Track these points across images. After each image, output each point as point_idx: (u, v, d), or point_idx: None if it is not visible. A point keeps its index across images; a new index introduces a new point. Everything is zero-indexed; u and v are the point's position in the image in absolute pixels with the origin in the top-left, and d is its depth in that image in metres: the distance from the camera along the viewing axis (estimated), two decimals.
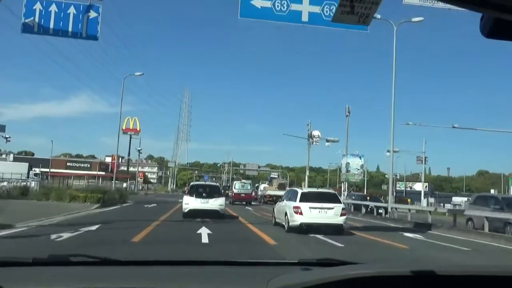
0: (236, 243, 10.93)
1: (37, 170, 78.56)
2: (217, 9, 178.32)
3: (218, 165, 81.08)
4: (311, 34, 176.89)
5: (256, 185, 56.92)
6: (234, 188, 38.28)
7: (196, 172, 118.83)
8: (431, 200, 75.30)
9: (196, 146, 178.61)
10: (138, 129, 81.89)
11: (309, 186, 36.53)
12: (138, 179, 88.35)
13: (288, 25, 14.58)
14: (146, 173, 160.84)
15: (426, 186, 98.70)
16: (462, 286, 1.46)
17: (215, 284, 1.69)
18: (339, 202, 14.68)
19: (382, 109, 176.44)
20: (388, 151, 55.64)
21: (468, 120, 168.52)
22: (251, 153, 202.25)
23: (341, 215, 14.03)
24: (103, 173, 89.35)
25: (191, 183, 24.05)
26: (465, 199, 71.49)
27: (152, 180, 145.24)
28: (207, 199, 18.19)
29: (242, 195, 36.45)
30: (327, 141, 40.76)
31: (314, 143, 40.39)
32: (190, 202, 18.23)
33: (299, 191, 15.00)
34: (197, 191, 18.75)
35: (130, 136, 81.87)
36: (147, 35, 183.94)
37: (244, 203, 35.02)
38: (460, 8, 0.88)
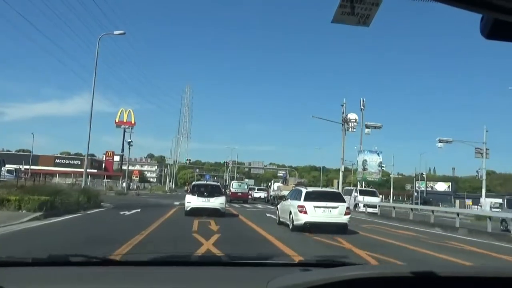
0: None
1: (21, 167, 69.74)
2: (219, 9, 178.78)
3: (222, 162, 72.24)
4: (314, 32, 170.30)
5: (268, 184, 47.80)
6: (232, 187, 38.97)
7: (197, 170, 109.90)
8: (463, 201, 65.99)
9: (197, 145, 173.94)
10: (133, 122, 72.63)
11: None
12: (134, 177, 79.16)
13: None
14: (145, 172, 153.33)
15: (449, 186, 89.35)
16: (462, 287, 1.42)
17: (215, 285, 1.66)
18: (343, 201, 14.42)
19: (387, 105, 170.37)
20: (441, 141, 45.86)
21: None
22: (252, 153, 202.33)
23: (345, 214, 13.84)
24: (95, 170, 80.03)
25: (193, 183, 23.80)
26: (495, 200, 62.54)
27: (151, 179, 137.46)
28: (208, 198, 18.42)
29: (239, 194, 37.43)
30: (367, 126, 30.95)
31: (350, 129, 30.86)
32: (192, 201, 18.43)
33: (304, 190, 14.67)
34: (198, 190, 18.89)
35: (124, 130, 72.81)
36: (150, 34, 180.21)
37: (241, 201, 35.91)
38: (460, 9, 0.84)
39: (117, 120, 71.30)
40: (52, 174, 71.22)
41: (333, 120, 31.45)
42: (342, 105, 30.54)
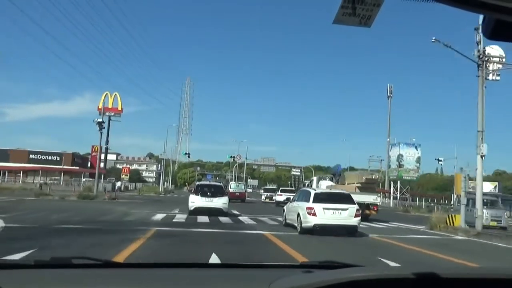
0: None
1: None
2: (221, 9, 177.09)
3: (229, 157, 58.64)
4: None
5: (306, 182, 33.10)
6: (230, 188, 38.95)
7: (198, 168, 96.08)
8: None
9: (199, 146, 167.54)
10: (119, 108, 58.19)
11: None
12: (123, 176, 64.95)
13: None
14: (144, 171, 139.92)
15: (495, 187, 74.65)
16: None
17: (217, 287, 1.62)
18: (353, 203, 13.48)
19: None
20: None
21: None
22: (253, 153, 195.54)
23: (355, 216, 13.04)
24: (77, 168, 65.67)
25: (197, 183, 24.05)
26: None
27: (149, 179, 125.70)
28: (212, 198, 18.26)
29: (236, 193, 37.48)
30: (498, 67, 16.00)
31: (492, 74, 16.20)
32: (196, 201, 18.22)
33: (312, 192, 13.99)
34: (202, 190, 18.79)
35: (109, 117, 58.42)
36: (150, 34, 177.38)
37: (239, 200, 36.31)
38: (462, 10, 0.83)
39: (100, 106, 57.08)
40: (21, 172, 57.23)
41: (465, 55, 16.53)
42: (476, 29, 15.65)
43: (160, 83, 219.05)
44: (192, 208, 17.89)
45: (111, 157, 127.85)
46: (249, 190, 59.43)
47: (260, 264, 2.13)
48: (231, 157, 59.22)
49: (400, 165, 58.54)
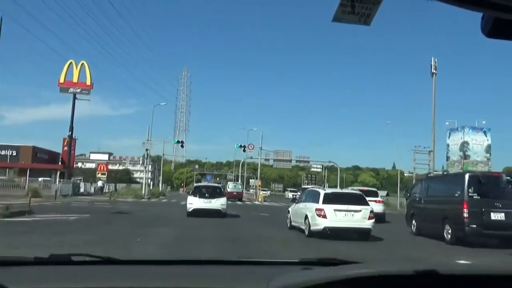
0: None
1: None
2: (221, 9, 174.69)
3: (237, 146, 43.93)
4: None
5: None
6: (228, 188, 40.10)
7: (197, 167, 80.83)
8: None
9: (198, 147, 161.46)
10: (88, 83, 42.05)
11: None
12: (99, 174, 49.71)
13: None
14: (137, 172, 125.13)
15: None
16: (465, 285, 1.35)
17: (216, 283, 1.59)
18: (367, 204, 12.33)
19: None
20: None
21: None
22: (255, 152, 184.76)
23: (369, 218, 11.90)
24: (38, 164, 49.51)
25: (195, 185, 23.44)
26: None
27: (142, 180, 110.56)
28: (210, 199, 17.99)
29: (234, 193, 38.49)
30: None
31: None
32: (194, 202, 17.94)
33: (322, 192, 12.80)
34: (200, 192, 18.46)
35: (74, 95, 42.29)
36: (150, 34, 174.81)
37: (237, 200, 36.64)
38: (460, 8, 0.82)
39: (62, 81, 41.19)
40: None
41: None
42: None
43: (159, 82, 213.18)
44: (190, 210, 17.61)
45: (103, 157, 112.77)
46: (267, 193, 46.77)
47: (259, 261, 2.04)
48: (240, 146, 43.74)
49: (465, 156, 43.28)
